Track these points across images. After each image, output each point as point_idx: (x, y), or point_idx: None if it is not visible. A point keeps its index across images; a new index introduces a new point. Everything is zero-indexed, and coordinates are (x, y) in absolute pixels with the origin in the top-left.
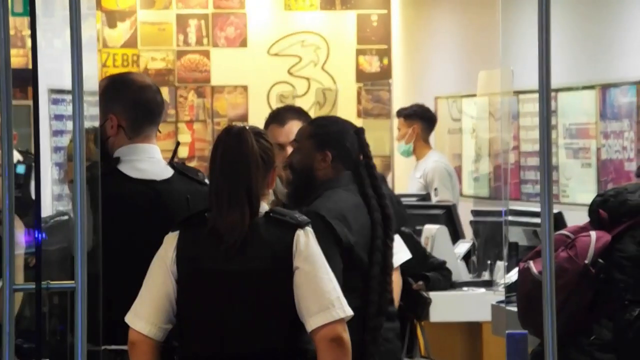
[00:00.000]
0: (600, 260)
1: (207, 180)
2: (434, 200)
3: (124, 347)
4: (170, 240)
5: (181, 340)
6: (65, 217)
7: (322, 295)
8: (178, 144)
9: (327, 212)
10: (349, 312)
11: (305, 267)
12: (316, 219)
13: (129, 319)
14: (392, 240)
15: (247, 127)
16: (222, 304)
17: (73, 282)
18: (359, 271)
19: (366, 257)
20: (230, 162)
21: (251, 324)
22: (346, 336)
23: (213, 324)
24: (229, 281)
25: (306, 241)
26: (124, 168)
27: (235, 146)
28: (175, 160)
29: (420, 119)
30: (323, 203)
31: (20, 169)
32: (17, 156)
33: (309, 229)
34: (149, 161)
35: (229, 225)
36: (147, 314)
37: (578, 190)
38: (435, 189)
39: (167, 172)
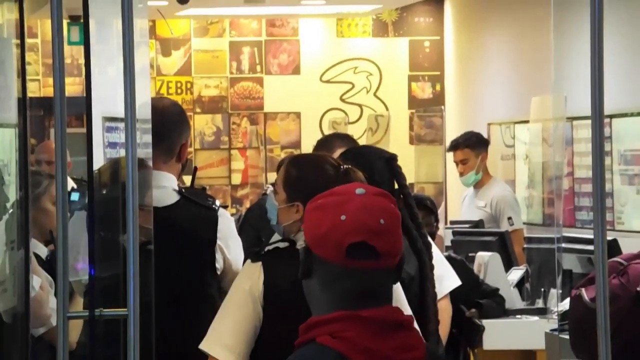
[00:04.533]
0: None
1: (217, 204)
2: (509, 229)
3: None
4: (255, 271)
5: None
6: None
7: None
8: (195, 168)
9: None
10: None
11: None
12: None
13: (211, 348)
14: (433, 268)
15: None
16: None
17: (126, 309)
18: (413, 303)
19: (417, 288)
20: None
21: None
22: None
23: None
24: None
25: None
26: None
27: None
28: (197, 186)
29: (485, 146)
30: None
31: (75, 197)
32: (71, 183)
33: None
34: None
35: None
36: (233, 344)
37: (633, 217)
38: (510, 218)
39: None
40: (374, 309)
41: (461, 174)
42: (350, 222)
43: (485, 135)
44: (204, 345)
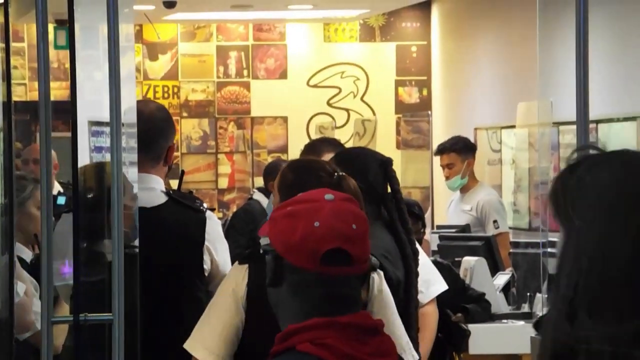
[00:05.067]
0: None
1: (205, 207)
2: (494, 233)
3: None
4: (241, 273)
5: None
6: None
7: (395, 340)
8: (183, 172)
9: (375, 249)
10: (417, 356)
11: (380, 312)
12: None
13: (192, 346)
14: (418, 275)
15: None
16: None
17: (111, 314)
18: (398, 308)
19: (402, 293)
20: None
21: None
22: None
23: None
24: None
25: (380, 284)
26: None
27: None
28: (184, 189)
29: (472, 151)
30: None
31: (61, 200)
32: (58, 187)
33: (381, 272)
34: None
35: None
36: (214, 346)
37: None
38: (495, 222)
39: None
40: (350, 314)
41: (447, 178)
42: (325, 228)
43: (472, 140)
44: (187, 345)
